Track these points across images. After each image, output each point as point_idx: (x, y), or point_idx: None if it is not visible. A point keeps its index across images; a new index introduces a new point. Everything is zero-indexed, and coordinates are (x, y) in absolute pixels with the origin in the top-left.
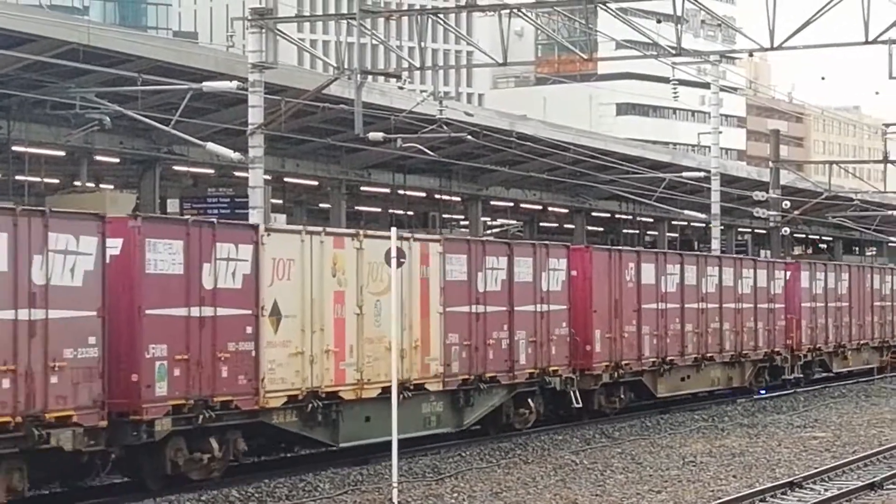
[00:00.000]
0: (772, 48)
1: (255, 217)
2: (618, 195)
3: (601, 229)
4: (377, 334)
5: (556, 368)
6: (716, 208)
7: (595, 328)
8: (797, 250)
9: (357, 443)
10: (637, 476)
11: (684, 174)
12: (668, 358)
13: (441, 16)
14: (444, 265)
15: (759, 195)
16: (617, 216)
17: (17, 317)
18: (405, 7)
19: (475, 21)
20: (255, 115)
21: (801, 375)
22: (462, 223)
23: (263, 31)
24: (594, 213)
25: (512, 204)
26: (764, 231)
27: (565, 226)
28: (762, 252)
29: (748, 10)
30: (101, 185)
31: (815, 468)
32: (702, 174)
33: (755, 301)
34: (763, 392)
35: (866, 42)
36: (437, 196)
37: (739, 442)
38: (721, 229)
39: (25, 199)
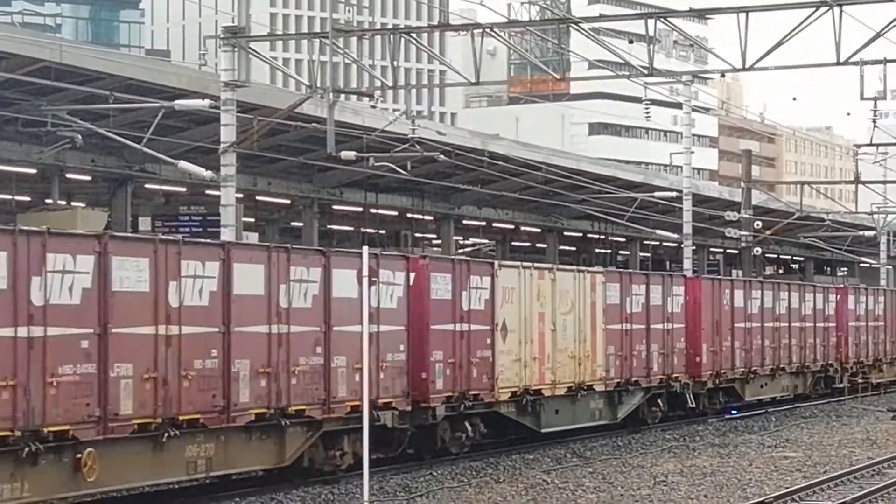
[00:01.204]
0: (744, 69)
1: (225, 235)
2: (590, 215)
3: (573, 249)
4: (563, 346)
5: (677, 375)
6: (688, 228)
7: (703, 343)
8: (769, 270)
9: (553, 429)
10: (608, 496)
11: (656, 194)
12: (753, 368)
13: (414, 35)
14: (605, 292)
15: (730, 215)
16: (589, 236)
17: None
18: (378, 26)
19: (448, 40)
20: (227, 134)
21: (849, 384)
22: (434, 242)
23: (236, 49)
24: (566, 233)
25: (484, 223)
26: (736, 251)
27: (537, 245)
28: (733, 272)
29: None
30: (73, 203)
31: (786, 488)
32: (674, 194)
33: (815, 320)
34: (734, 412)
35: (838, 63)
36: (409, 215)
37: (710, 462)
38: (693, 249)
39: None
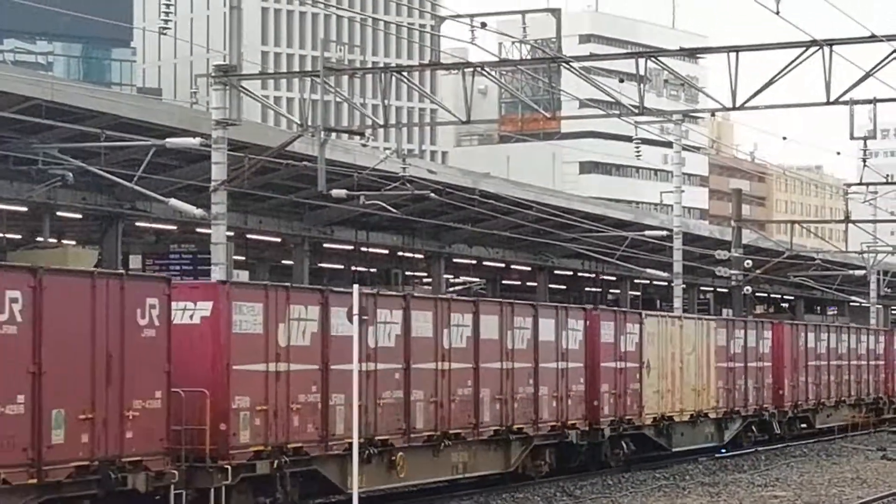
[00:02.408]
0: (734, 108)
1: (216, 274)
2: (580, 253)
3: (564, 287)
4: (688, 380)
5: (766, 406)
6: (678, 267)
7: (785, 378)
8: (759, 309)
9: (680, 448)
10: None
11: (647, 233)
12: (822, 400)
13: (405, 74)
14: (716, 336)
15: (721, 254)
16: (579, 274)
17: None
18: (369, 65)
19: (439, 79)
20: (218, 172)
21: (894, 416)
22: (425, 280)
23: (227, 87)
24: (557, 271)
25: (475, 261)
26: (726, 290)
27: (528, 283)
28: (723, 311)
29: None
30: (64, 241)
31: None
32: (664, 233)
33: (868, 359)
34: (724, 451)
35: (828, 103)
36: (399, 253)
37: (700, 501)
38: (683, 288)
39: None
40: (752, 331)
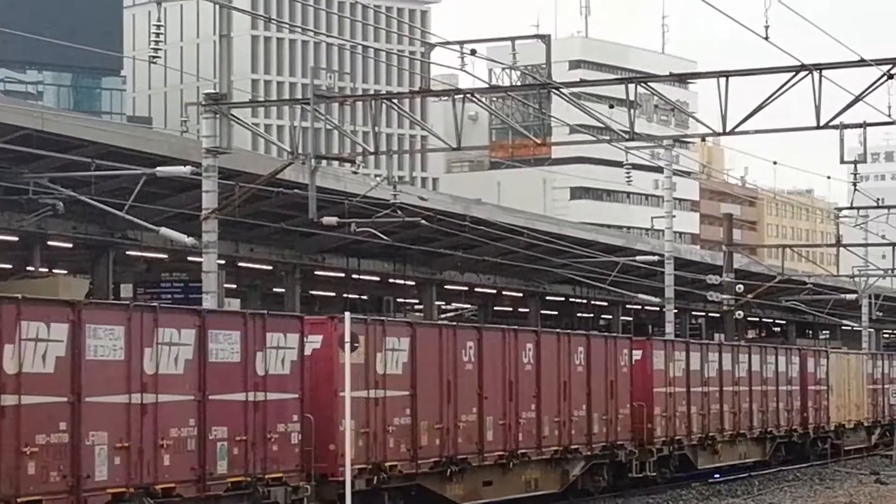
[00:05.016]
0: (724, 133)
1: (207, 302)
2: (572, 279)
3: (555, 313)
4: (851, 398)
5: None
6: (670, 292)
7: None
8: (751, 334)
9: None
10: None
11: (638, 258)
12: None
13: (395, 101)
14: (865, 365)
15: (712, 279)
16: (571, 300)
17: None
18: (359, 92)
19: (429, 105)
20: (208, 200)
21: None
22: (416, 307)
23: (217, 116)
24: (548, 297)
25: (466, 288)
26: (717, 315)
27: (519, 309)
28: (716, 336)
29: (701, 95)
30: (54, 271)
31: None
32: (656, 258)
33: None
34: (717, 476)
35: (818, 127)
36: (391, 280)
37: None
38: (675, 313)
39: None
40: (888, 361)
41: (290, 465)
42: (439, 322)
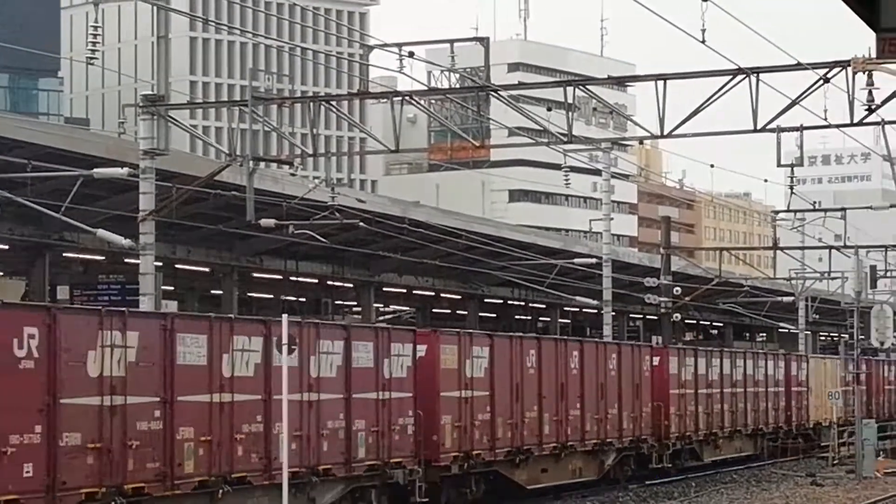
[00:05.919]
0: (662, 136)
1: (145, 304)
2: (510, 281)
3: (494, 315)
4: (823, 400)
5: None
6: (607, 294)
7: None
8: (688, 336)
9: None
10: None
11: (576, 260)
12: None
13: (334, 103)
14: (838, 370)
15: (650, 281)
16: (509, 302)
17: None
18: (298, 94)
19: (368, 108)
20: (146, 202)
21: None
22: (354, 309)
23: (155, 117)
24: (487, 300)
25: (405, 290)
26: (655, 317)
27: (458, 311)
28: (653, 338)
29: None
30: None
31: None
32: (593, 260)
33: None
34: (658, 478)
35: (755, 130)
36: (329, 282)
37: None
38: (613, 315)
39: None
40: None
41: (406, 452)
42: (511, 334)
